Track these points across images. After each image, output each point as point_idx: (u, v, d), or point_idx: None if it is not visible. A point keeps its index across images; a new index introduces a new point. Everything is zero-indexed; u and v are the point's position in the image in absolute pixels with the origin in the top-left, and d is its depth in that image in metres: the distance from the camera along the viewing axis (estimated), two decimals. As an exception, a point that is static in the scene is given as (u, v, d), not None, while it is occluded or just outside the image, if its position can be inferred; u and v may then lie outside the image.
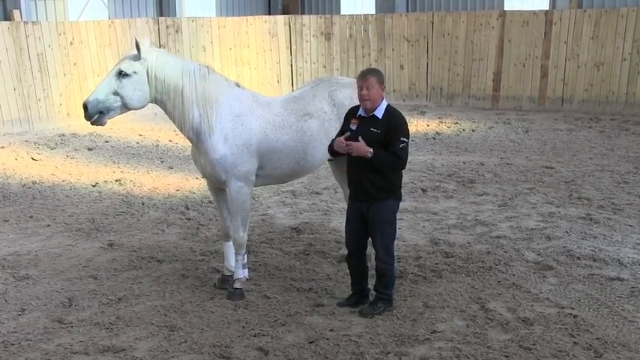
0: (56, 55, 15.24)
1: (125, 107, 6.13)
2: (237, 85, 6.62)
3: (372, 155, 5.79)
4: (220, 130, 6.26)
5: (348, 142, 5.86)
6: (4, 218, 9.19)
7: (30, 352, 5.51)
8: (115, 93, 6.05)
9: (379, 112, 5.95)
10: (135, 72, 6.05)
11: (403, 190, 10.02)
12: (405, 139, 5.87)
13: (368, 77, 5.89)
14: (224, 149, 6.26)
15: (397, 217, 8.88)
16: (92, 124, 6.21)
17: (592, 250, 7.56)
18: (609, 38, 16.43)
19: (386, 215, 6.07)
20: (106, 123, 6.19)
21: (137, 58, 6.09)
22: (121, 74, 6.03)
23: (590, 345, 5.48)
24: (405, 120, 6.04)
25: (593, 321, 5.91)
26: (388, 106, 6.01)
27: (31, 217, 9.27)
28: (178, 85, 6.20)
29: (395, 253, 6.45)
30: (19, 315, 6.21)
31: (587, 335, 5.64)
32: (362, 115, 6.02)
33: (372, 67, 6.42)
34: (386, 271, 6.13)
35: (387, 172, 5.94)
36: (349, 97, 6.79)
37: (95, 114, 6.05)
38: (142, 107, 6.31)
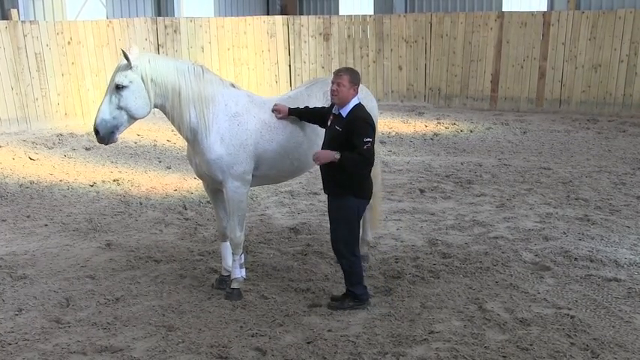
0: (54, 54, 15.23)
1: (132, 118, 6.13)
2: (233, 85, 6.62)
3: (339, 159, 5.87)
4: (217, 130, 6.26)
5: (314, 154, 6.06)
6: (1, 218, 9.18)
7: (27, 352, 5.50)
8: (119, 107, 6.04)
9: (345, 111, 6.06)
10: (131, 81, 6.03)
11: (401, 191, 10.13)
12: (368, 139, 5.89)
13: (341, 74, 6.04)
14: (220, 149, 6.26)
15: (395, 217, 8.96)
16: (106, 145, 6.30)
17: (589, 251, 7.57)
18: (607, 40, 16.45)
19: (342, 212, 6.10)
20: (118, 139, 6.18)
21: (129, 67, 6.05)
22: (119, 87, 6.01)
23: (587, 345, 5.49)
24: (369, 120, 6.02)
25: (590, 321, 5.92)
26: (356, 106, 6.05)
27: (28, 216, 9.26)
28: (175, 85, 6.19)
29: (362, 254, 6.61)
30: (17, 315, 6.20)
31: (584, 336, 5.65)
32: (334, 112, 6.16)
33: (349, 67, 6.43)
34: (346, 267, 6.22)
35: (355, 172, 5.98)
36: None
37: (108, 135, 6.05)
38: (148, 114, 6.28)
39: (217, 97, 6.32)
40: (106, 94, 6.11)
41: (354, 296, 6.25)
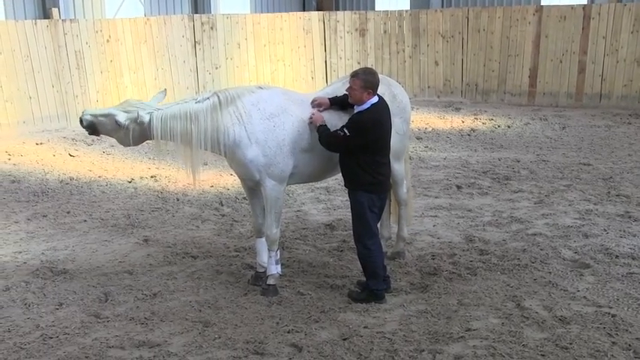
0: (93, 52, 15.43)
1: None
2: (260, 87, 6.58)
3: (319, 126, 6.22)
4: (251, 134, 6.25)
5: (311, 114, 6.37)
6: (42, 213, 9.34)
7: (68, 346, 5.59)
8: (108, 131, 6.31)
9: (358, 109, 6.20)
10: (128, 128, 6.19)
11: (437, 187, 10.07)
12: (347, 132, 6.03)
13: (354, 78, 6.13)
14: (256, 151, 6.25)
15: (432, 213, 8.90)
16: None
17: (631, 249, 7.43)
18: (650, 33, 16.11)
19: (353, 205, 6.33)
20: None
21: (136, 119, 6.17)
22: (117, 123, 6.18)
23: (630, 345, 5.38)
24: (366, 123, 6.06)
25: (632, 320, 5.80)
26: (367, 108, 6.12)
27: (68, 212, 9.41)
28: (187, 132, 6.24)
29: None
30: (57, 309, 6.31)
31: (626, 335, 5.54)
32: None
33: (367, 68, 6.45)
34: (362, 260, 6.37)
35: (347, 160, 6.22)
36: (381, 93, 6.77)
37: (88, 129, 6.38)
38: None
39: (247, 108, 6.27)
40: (112, 110, 6.27)
41: (371, 291, 6.31)
